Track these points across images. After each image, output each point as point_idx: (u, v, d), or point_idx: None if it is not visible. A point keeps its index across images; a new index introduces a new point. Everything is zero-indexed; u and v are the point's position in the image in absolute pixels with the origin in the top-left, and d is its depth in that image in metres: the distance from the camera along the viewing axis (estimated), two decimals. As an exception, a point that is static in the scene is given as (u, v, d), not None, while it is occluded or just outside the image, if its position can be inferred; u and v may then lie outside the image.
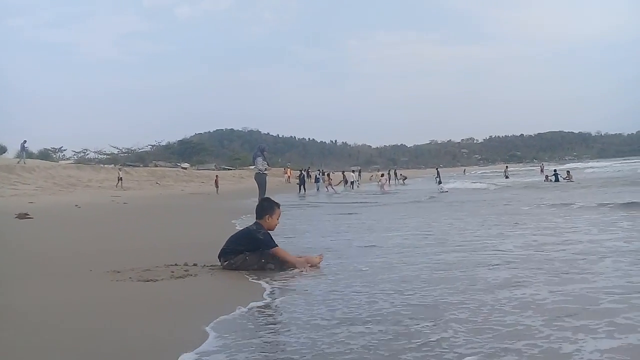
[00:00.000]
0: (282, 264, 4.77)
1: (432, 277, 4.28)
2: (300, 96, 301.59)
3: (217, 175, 36.04)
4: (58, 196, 22.33)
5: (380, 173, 41.09)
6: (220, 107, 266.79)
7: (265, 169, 13.45)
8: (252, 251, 4.75)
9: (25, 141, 39.38)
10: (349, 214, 13.08)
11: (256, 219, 5.00)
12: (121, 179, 32.75)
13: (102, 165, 48.54)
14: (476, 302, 3.38)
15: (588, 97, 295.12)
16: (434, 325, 2.90)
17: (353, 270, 4.76)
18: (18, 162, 34.71)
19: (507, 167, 54.11)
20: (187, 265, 4.81)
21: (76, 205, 15.76)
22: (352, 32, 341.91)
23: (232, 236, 5.00)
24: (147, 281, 4.15)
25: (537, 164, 65.24)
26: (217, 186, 32.13)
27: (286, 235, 7.45)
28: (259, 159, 13.32)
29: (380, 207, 15.74)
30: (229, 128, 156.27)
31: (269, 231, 4.89)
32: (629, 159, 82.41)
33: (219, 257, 4.83)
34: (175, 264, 4.83)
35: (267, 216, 4.92)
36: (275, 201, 5.19)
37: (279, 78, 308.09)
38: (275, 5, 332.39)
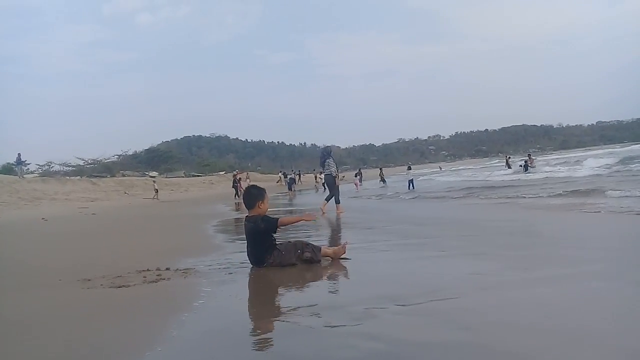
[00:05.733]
0: (316, 251, 4.72)
1: None
2: (267, 100, 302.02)
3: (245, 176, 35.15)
4: (23, 210, 21.78)
5: (355, 173, 41.42)
6: (187, 114, 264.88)
7: (336, 172, 13.29)
8: (267, 244, 4.71)
9: (19, 154, 38.68)
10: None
11: (248, 209, 4.91)
12: (157, 190, 33.06)
13: (67, 177, 47.37)
14: None
15: (548, 90, 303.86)
16: None
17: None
18: (19, 177, 34.23)
19: (509, 157, 54.35)
20: (159, 270, 4.77)
21: (43, 218, 15.41)
22: (315, 34, 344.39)
23: (247, 245, 4.86)
24: (119, 287, 4.11)
25: (503, 158, 66.52)
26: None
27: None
28: (330, 161, 13.15)
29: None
30: (196, 135, 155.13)
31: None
32: (590, 149, 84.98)
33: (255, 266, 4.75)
34: (147, 269, 4.78)
35: (259, 202, 4.86)
36: (261, 187, 5.14)
37: (245, 82, 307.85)
38: (237, 10, 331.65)
